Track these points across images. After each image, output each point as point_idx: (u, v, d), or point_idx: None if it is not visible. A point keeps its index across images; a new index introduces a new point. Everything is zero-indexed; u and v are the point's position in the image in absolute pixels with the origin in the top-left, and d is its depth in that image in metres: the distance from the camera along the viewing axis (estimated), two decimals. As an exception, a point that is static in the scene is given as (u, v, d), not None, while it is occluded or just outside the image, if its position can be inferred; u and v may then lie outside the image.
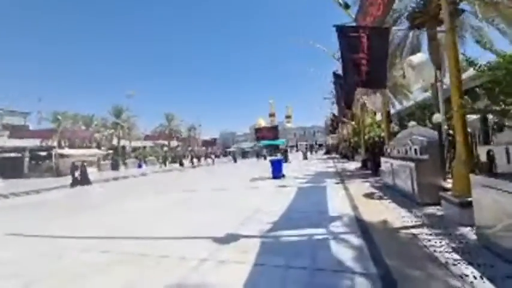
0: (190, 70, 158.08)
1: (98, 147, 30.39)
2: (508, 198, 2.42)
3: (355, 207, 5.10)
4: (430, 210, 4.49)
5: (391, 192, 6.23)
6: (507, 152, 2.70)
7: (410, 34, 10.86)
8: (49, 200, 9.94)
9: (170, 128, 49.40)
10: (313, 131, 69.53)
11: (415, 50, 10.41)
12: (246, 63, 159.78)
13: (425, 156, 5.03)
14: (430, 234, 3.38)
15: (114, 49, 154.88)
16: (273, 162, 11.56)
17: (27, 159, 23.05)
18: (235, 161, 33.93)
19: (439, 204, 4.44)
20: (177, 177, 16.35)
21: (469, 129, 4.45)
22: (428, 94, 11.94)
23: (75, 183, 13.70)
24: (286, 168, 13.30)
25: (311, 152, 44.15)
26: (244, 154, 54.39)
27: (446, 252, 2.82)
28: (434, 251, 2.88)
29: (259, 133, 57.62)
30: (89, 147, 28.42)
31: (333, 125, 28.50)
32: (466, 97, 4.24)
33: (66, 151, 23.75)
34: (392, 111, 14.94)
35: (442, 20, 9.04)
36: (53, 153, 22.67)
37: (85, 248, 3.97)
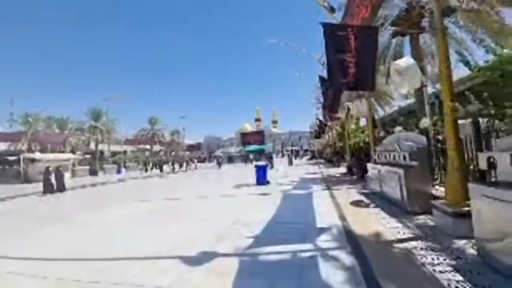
0: (176, 76, 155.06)
1: (73, 151, 28.60)
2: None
3: (343, 218, 4.77)
4: (421, 220, 4.24)
5: (379, 200, 5.98)
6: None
7: (393, 41, 11.03)
8: (9, 209, 8.85)
9: (153, 132, 47.92)
10: (299, 136, 70.04)
11: (398, 56, 10.54)
12: (232, 68, 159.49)
13: (415, 163, 4.80)
14: (426, 249, 3.08)
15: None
16: (257, 169, 11.15)
17: (-8, 164, 21.15)
18: (219, 166, 30.04)
19: (429, 213, 4.21)
20: (156, 184, 15.47)
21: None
22: (410, 101, 12.11)
23: (48, 189, 12.49)
24: (271, 174, 12.93)
25: (296, 157, 44.16)
26: (231, 159, 53.39)
27: (447, 271, 2.51)
28: (434, 270, 2.56)
29: (245, 138, 57.30)
30: (63, 152, 26.63)
31: (319, 130, 28.61)
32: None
33: (37, 155, 21.99)
34: (375, 117, 15.08)
35: (424, 27, 9.23)
36: (21, 157, 20.94)
37: (18, 270, 3.26)
